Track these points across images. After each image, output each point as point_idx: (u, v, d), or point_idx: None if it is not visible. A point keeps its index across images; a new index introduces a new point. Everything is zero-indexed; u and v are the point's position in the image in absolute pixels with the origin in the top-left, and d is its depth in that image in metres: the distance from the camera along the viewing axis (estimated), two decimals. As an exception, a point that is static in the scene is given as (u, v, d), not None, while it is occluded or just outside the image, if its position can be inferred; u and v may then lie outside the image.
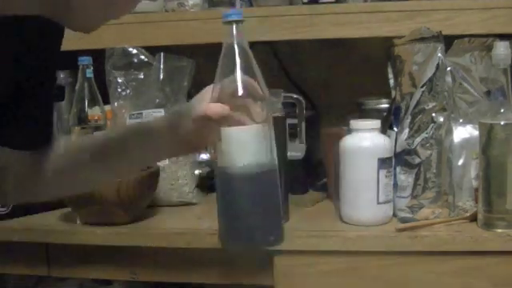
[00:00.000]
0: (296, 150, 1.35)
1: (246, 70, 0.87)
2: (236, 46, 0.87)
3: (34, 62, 0.88)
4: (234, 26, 0.88)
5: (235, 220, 0.89)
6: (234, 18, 0.88)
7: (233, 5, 1.49)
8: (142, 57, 1.48)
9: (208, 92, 0.89)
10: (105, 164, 0.95)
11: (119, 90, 1.48)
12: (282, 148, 1.22)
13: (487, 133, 1.14)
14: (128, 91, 1.47)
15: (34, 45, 0.86)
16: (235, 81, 0.86)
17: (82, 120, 1.40)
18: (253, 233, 0.88)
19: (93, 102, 1.41)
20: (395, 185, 1.22)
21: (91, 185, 1.06)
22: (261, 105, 0.87)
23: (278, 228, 0.89)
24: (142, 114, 1.41)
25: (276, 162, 0.88)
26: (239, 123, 0.86)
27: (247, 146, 0.87)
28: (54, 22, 0.84)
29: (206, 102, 0.87)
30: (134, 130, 0.99)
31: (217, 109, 0.85)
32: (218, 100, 0.86)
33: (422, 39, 1.23)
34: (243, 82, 0.86)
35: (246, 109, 0.87)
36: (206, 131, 0.88)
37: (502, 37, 1.21)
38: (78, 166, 0.96)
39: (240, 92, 0.86)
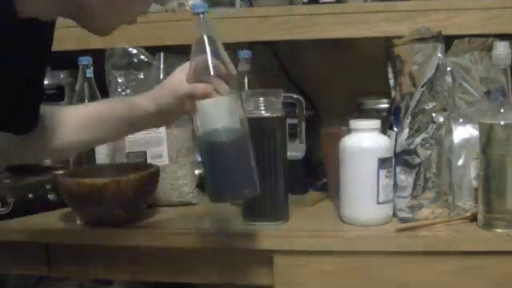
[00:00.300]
0: (296, 150, 1.35)
1: (214, 52, 1.04)
2: (204, 33, 1.04)
3: (37, 61, 0.91)
4: (201, 17, 1.04)
5: (216, 178, 1.07)
6: (201, 9, 1.04)
7: (232, 5, 1.49)
8: (142, 57, 1.48)
9: (181, 72, 1.08)
10: (96, 135, 1.11)
11: (119, 89, 1.48)
12: (282, 148, 1.23)
13: (487, 133, 1.14)
14: (128, 91, 1.47)
15: (35, 45, 0.88)
16: (205, 61, 1.04)
17: (82, 120, 1.40)
18: (229, 187, 1.06)
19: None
20: (395, 185, 1.22)
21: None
22: (229, 81, 1.04)
23: (252, 182, 1.07)
24: (142, 113, 1.41)
25: (246, 127, 1.06)
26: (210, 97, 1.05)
27: (219, 114, 1.05)
28: (49, 22, 0.86)
29: (185, 81, 1.06)
30: (127, 110, 1.12)
31: (203, 87, 1.04)
32: (195, 78, 1.05)
33: (422, 39, 1.23)
34: (212, 63, 1.04)
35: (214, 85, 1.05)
36: (183, 106, 1.08)
37: (502, 37, 1.21)
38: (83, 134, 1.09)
39: (212, 72, 1.04)
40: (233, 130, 1.05)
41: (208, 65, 1.04)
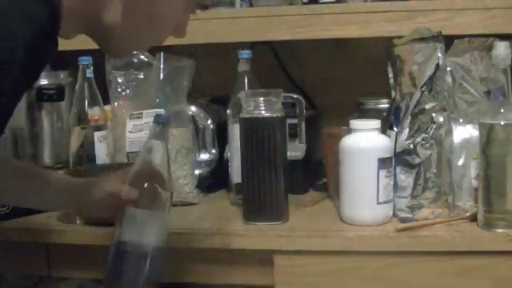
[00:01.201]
0: (296, 150, 1.35)
1: (161, 163, 1.05)
2: (160, 143, 1.05)
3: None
4: (160, 127, 1.05)
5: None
6: (162, 120, 1.05)
7: (232, 5, 1.49)
8: (142, 57, 1.48)
9: (123, 173, 1.06)
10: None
11: (119, 89, 1.47)
12: (282, 148, 1.23)
13: (487, 133, 1.14)
14: (128, 91, 1.47)
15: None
16: (148, 169, 1.04)
17: (82, 120, 1.40)
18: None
19: (93, 102, 1.41)
20: (395, 185, 1.22)
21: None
22: (163, 194, 1.05)
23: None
24: (142, 113, 1.41)
25: (164, 243, 1.05)
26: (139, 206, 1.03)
27: (141, 227, 1.03)
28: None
29: (122, 182, 1.04)
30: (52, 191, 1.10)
31: (130, 193, 1.01)
32: (132, 181, 1.03)
33: (422, 39, 1.23)
34: (155, 175, 1.04)
35: (150, 195, 1.04)
36: (109, 207, 1.05)
37: (502, 37, 1.21)
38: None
39: (147, 184, 1.03)
40: (152, 244, 1.04)
41: (149, 174, 1.04)
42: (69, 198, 1.11)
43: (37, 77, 0.84)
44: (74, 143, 1.40)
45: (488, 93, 1.23)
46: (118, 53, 0.97)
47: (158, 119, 1.06)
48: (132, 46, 0.96)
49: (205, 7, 0.97)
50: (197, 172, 1.43)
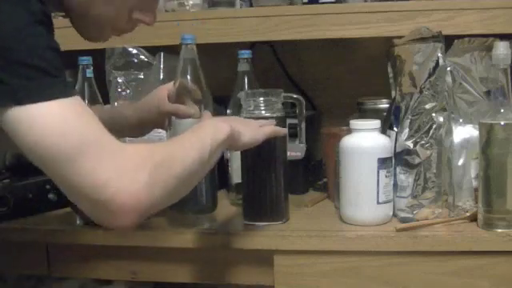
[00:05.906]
0: (296, 150, 1.35)
1: (195, 78, 1.18)
2: (188, 61, 1.18)
3: None
4: (188, 46, 1.18)
5: None
6: (188, 41, 1.19)
7: (232, 5, 1.49)
8: (142, 57, 1.48)
9: (163, 90, 1.19)
10: None
11: (119, 89, 1.48)
12: (282, 148, 1.23)
13: (487, 133, 1.14)
14: (128, 91, 1.47)
15: None
16: (186, 84, 1.18)
17: (82, 120, 1.40)
18: (189, 202, 1.18)
19: (93, 102, 1.41)
20: (395, 185, 1.22)
21: None
22: (202, 105, 1.18)
23: (210, 200, 1.22)
24: (142, 113, 1.41)
25: None
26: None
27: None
28: None
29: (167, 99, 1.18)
30: (109, 114, 1.21)
31: (185, 110, 1.16)
32: (176, 98, 1.17)
33: (422, 39, 1.23)
34: (191, 88, 1.18)
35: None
36: (163, 121, 1.20)
37: (502, 37, 1.21)
38: None
39: (190, 96, 1.17)
40: None
41: (188, 88, 1.18)
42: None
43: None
44: (74, 143, 1.40)
45: (488, 93, 1.23)
46: (85, 37, 1.02)
47: (184, 41, 1.18)
48: (89, 36, 1.02)
49: (147, 23, 1.05)
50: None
